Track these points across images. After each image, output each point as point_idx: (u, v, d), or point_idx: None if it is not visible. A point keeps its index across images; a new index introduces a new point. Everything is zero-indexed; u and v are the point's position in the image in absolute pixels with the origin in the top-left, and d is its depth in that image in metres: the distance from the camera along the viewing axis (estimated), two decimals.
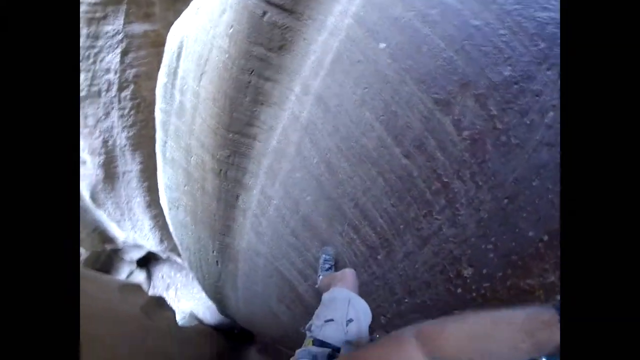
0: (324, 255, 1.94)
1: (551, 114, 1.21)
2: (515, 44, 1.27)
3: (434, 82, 1.40)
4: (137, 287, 5.12)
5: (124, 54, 4.19)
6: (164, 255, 6.62)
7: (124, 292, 4.43)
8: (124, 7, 4.02)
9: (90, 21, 4.03)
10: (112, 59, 4.20)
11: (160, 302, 5.46)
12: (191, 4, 2.26)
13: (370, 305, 1.91)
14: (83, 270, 3.99)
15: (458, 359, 0.66)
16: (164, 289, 8.25)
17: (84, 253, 6.71)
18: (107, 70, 4.23)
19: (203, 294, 8.10)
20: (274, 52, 1.78)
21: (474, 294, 1.48)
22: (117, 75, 4.19)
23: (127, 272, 7.93)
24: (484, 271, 1.41)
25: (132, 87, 4.26)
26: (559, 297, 1.24)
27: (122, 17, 4.06)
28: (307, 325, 1.21)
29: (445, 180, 1.42)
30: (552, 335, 0.59)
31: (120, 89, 4.21)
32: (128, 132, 4.30)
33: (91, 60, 4.21)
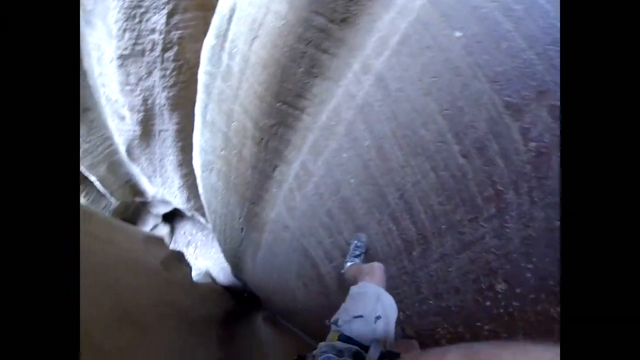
0: (355, 241, 1.90)
1: None
2: None
3: (508, 83, 1.29)
4: (160, 241, 5.31)
5: (170, 15, 4.15)
6: (188, 213, 6.79)
7: (147, 244, 4.59)
8: None
9: None
10: (158, 19, 4.17)
11: (179, 257, 5.65)
12: None
13: (394, 298, 1.89)
14: (112, 219, 4.14)
15: None
16: (185, 245, 8.54)
17: (114, 203, 6.97)
18: (152, 31, 4.23)
19: (220, 255, 8.34)
20: (336, 24, 1.68)
21: (501, 310, 1.45)
22: (162, 36, 4.19)
23: (152, 225, 8.22)
24: (518, 290, 1.37)
25: (175, 48, 4.26)
26: None
27: None
28: (333, 319, 1.17)
29: (500, 188, 1.35)
30: None
31: (164, 49, 4.21)
32: (168, 93, 4.34)
33: (137, 19, 4.20)
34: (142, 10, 4.19)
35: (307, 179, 2.03)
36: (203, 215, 6.54)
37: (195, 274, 7.37)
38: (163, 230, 8.30)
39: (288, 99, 1.82)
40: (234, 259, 4.25)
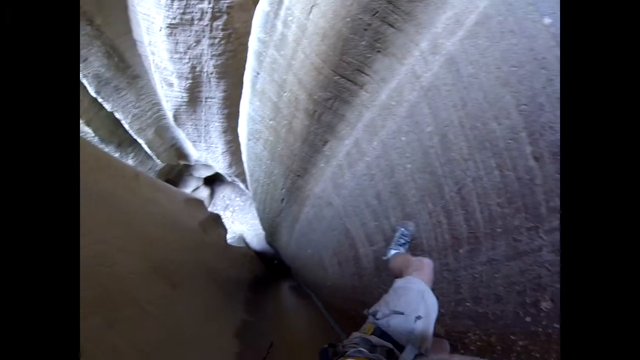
0: (402, 229, 1.83)
1: None
2: None
3: None
4: (200, 203, 5.48)
5: None
6: (229, 179, 6.96)
7: (188, 205, 4.75)
8: None
9: None
10: None
11: (216, 220, 5.83)
12: None
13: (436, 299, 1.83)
14: (156, 180, 4.28)
15: None
16: (223, 208, 8.84)
17: (159, 165, 7.25)
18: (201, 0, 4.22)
19: (256, 222, 8.60)
20: None
21: (540, 329, 1.37)
22: (211, 5, 4.13)
23: (194, 187, 8.53)
24: None
25: (224, 17, 4.20)
26: None
27: None
28: (372, 310, 1.13)
29: None
30: None
31: (213, 18, 4.17)
32: (216, 61, 4.34)
33: None
34: None
35: (359, 157, 1.96)
36: (243, 181, 6.69)
37: (229, 237, 7.64)
38: (203, 193, 8.61)
39: (347, 72, 1.71)
40: (271, 227, 4.33)
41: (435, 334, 1.71)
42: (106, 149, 6.32)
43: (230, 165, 6.13)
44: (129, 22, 4.95)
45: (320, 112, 1.94)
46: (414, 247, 1.87)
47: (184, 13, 4.25)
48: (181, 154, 7.10)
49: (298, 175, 2.56)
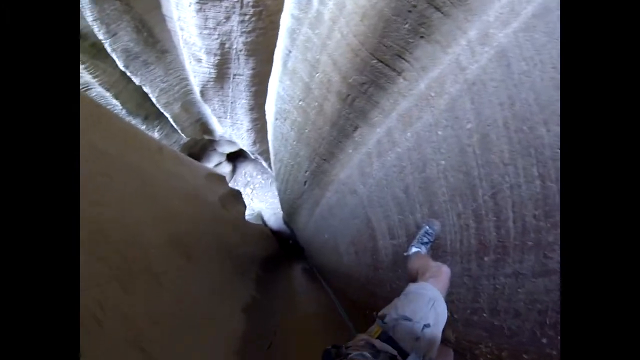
0: (427, 227, 1.76)
1: None
2: None
3: None
4: (222, 178, 5.53)
5: None
6: (252, 156, 6.99)
7: (209, 180, 4.80)
8: None
9: None
10: None
11: (236, 196, 5.89)
12: None
13: (445, 296, 1.76)
14: (180, 154, 4.34)
15: None
16: (243, 185, 8.95)
17: (184, 139, 7.34)
18: None
19: (275, 201, 8.66)
20: None
21: (554, 352, 1.31)
22: None
23: (216, 162, 8.64)
24: None
25: None
26: None
27: None
28: (381, 313, 1.11)
29: None
30: None
31: None
32: (246, 38, 4.29)
33: None
34: None
35: (390, 147, 1.87)
36: (266, 160, 6.70)
37: (248, 214, 7.74)
38: (225, 169, 8.72)
39: (385, 57, 1.61)
40: (290, 208, 4.31)
41: (442, 340, 1.68)
42: (133, 122, 6.45)
43: (254, 143, 6.14)
44: None
45: (353, 97, 1.85)
46: (437, 247, 1.79)
47: None
48: (206, 129, 7.16)
49: (324, 159, 2.49)
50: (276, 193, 8.37)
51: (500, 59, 1.32)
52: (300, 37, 2.07)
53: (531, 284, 1.38)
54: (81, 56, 5.22)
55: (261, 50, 4.50)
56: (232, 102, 5.51)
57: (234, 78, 5.03)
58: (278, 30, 2.35)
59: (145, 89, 5.83)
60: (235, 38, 4.33)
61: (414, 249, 1.75)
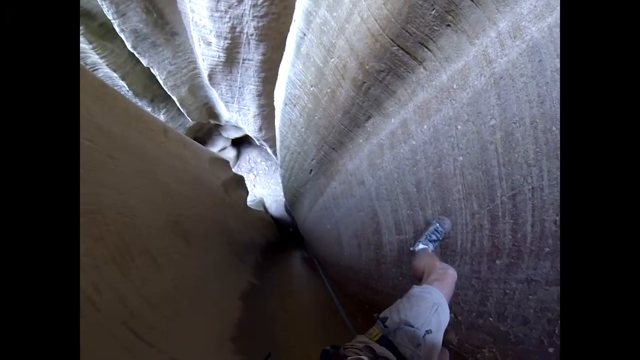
0: (437, 224, 1.70)
1: None
2: None
3: None
4: (225, 163, 5.49)
5: None
6: (257, 142, 6.96)
7: (213, 164, 4.76)
8: None
9: None
10: None
11: (239, 181, 5.86)
12: None
13: (452, 296, 1.70)
14: (185, 137, 4.30)
15: None
16: (247, 171, 8.93)
17: (190, 122, 7.30)
18: None
19: (277, 188, 8.65)
20: None
21: None
22: None
23: (221, 147, 8.61)
24: None
25: None
26: None
27: None
28: (382, 315, 1.09)
29: None
30: None
31: None
32: (258, 23, 4.21)
33: None
34: None
35: (404, 139, 1.79)
36: (271, 146, 6.65)
37: (250, 200, 7.73)
38: (230, 154, 8.69)
39: (407, 44, 1.52)
40: (293, 196, 4.26)
41: (443, 342, 1.64)
42: (139, 104, 6.40)
43: (260, 129, 6.08)
44: None
45: (369, 84, 1.77)
46: (446, 246, 1.73)
47: None
48: (212, 113, 7.12)
49: (332, 148, 2.42)
50: (279, 180, 8.38)
51: (531, 54, 1.23)
52: (316, 19, 1.97)
53: (543, 291, 1.33)
54: (89, 36, 5.18)
55: (272, 36, 4.42)
56: (240, 87, 5.45)
57: (243, 63, 4.96)
58: (291, 16, 2.26)
59: (153, 71, 5.78)
60: (246, 22, 4.25)
61: (421, 245, 1.71)
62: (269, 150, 7.03)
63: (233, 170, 6.84)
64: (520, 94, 1.27)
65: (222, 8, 4.10)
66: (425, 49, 1.53)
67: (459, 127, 1.49)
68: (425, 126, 1.65)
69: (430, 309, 1.08)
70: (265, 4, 4.00)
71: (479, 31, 1.39)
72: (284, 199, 6.90)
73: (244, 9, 4.09)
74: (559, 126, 1.18)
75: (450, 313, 1.73)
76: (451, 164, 1.56)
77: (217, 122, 7.44)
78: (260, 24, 4.23)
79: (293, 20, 2.21)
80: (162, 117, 6.95)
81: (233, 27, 4.33)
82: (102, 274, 1.41)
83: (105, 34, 5.37)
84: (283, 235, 7.59)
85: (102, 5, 4.63)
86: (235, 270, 3.52)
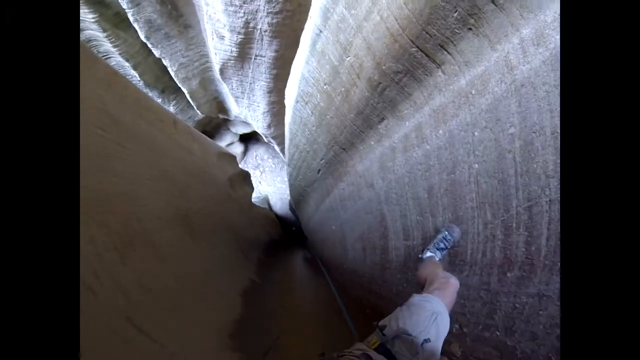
0: (446, 232, 1.66)
1: None
2: None
3: None
4: (233, 158, 5.48)
5: None
6: (265, 139, 6.95)
7: (220, 159, 4.75)
8: None
9: None
10: None
11: (245, 177, 5.85)
12: None
13: (457, 307, 1.63)
14: (194, 130, 4.30)
15: None
16: (253, 167, 8.93)
17: (199, 115, 7.32)
18: None
19: (283, 186, 8.64)
20: None
21: None
22: None
23: (229, 142, 8.62)
24: None
25: None
26: None
27: None
28: (381, 323, 1.08)
29: None
30: None
31: None
32: (272, 19, 4.20)
33: None
34: None
35: (417, 143, 1.75)
36: (279, 144, 6.63)
37: (255, 197, 7.71)
38: (237, 149, 8.69)
39: (427, 46, 1.48)
40: (299, 196, 4.23)
41: (444, 352, 1.59)
42: (150, 94, 6.42)
43: (269, 126, 6.07)
44: None
45: (385, 85, 1.73)
46: (455, 255, 1.69)
47: None
48: (222, 107, 7.12)
49: (343, 149, 2.38)
50: (285, 178, 8.36)
51: (555, 63, 1.19)
52: (334, 16, 1.94)
53: (555, 307, 1.29)
54: (103, 24, 5.20)
55: (286, 33, 4.40)
56: (250, 83, 5.44)
57: (255, 59, 4.95)
58: (305, 14, 2.23)
59: (165, 62, 5.80)
60: (261, 18, 4.24)
61: (428, 254, 1.68)
62: (276, 147, 7.01)
63: (240, 165, 6.82)
64: (541, 102, 1.23)
65: (237, 2, 4.09)
66: (445, 52, 1.49)
67: (476, 133, 1.45)
68: (440, 131, 1.61)
69: (429, 317, 1.08)
70: (281, 0, 3.98)
71: (501, 36, 1.35)
72: (289, 198, 6.87)
73: (259, 5, 4.08)
74: None
75: (456, 324, 1.71)
76: (466, 171, 1.52)
77: (226, 117, 7.44)
78: (274, 21, 4.21)
79: (309, 17, 2.18)
80: (171, 109, 6.96)
81: (247, 22, 4.32)
82: (103, 262, 1.39)
83: (119, 22, 5.39)
84: (286, 233, 7.57)
85: None
86: (238, 266, 3.50)
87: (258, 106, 5.77)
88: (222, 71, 5.39)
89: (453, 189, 1.60)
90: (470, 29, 1.40)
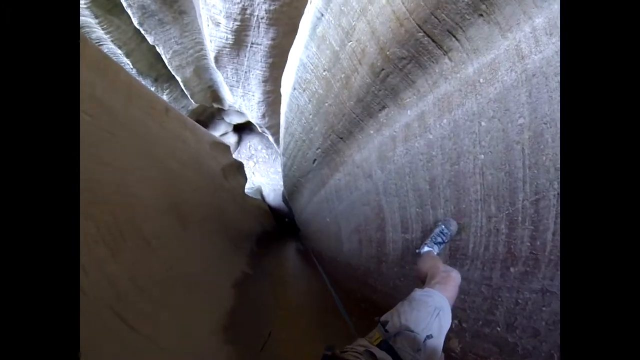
0: (443, 226, 1.63)
1: None
2: None
3: None
4: (226, 148, 5.40)
5: None
6: (259, 129, 6.87)
7: (213, 148, 4.67)
8: None
9: None
10: None
11: (239, 168, 5.78)
12: None
13: (457, 302, 1.58)
14: (187, 118, 4.22)
15: None
16: (247, 158, 8.84)
17: (193, 104, 7.20)
18: None
19: (277, 177, 8.57)
20: None
21: None
22: None
23: (222, 132, 8.52)
24: None
25: None
26: None
27: None
28: (383, 318, 1.08)
29: None
30: None
31: None
32: (269, 6, 4.10)
33: None
34: None
35: (420, 133, 1.69)
36: (273, 134, 6.55)
37: (248, 188, 7.65)
38: (231, 139, 8.59)
39: (435, 31, 1.41)
40: (292, 186, 4.16)
41: (444, 350, 1.57)
42: (142, 82, 6.29)
43: (263, 116, 5.98)
44: None
45: (388, 72, 1.66)
46: (456, 249, 1.65)
47: None
48: (216, 96, 7.01)
49: (340, 138, 2.31)
50: (278, 169, 8.29)
51: None
52: None
53: (558, 303, 1.26)
54: (95, 10, 5.06)
55: (284, 21, 4.30)
56: (246, 72, 5.34)
57: (251, 47, 4.85)
58: (304, 2, 2.15)
59: (159, 50, 5.67)
60: (258, 4, 4.14)
61: (426, 248, 1.65)
62: (270, 138, 6.94)
63: (233, 156, 6.74)
64: (553, 93, 1.18)
65: None
66: (453, 39, 1.42)
67: (482, 123, 1.39)
68: (445, 120, 1.55)
69: (431, 313, 1.06)
70: None
71: (512, 24, 1.30)
72: (282, 189, 6.81)
73: None
74: None
75: (455, 319, 1.67)
76: (471, 162, 1.47)
77: (220, 106, 7.34)
78: (271, 8, 4.11)
79: (309, 2, 2.10)
80: (165, 98, 6.84)
81: (244, 9, 4.21)
82: (91, 255, 1.32)
83: (112, 8, 5.23)
84: (279, 225, 7.52)
85: None
86: (230, 258, 3.45)
87: (253, 95, 5.67)
88: (217, 59, 5.27)
89: (456, 180, 1.55)
90: (481, 15, 1.34)
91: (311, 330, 2.65)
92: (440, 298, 1.13)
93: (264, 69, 5.08)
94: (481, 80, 1.39)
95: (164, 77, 6.58)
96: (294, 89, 2.54)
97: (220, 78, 6.13)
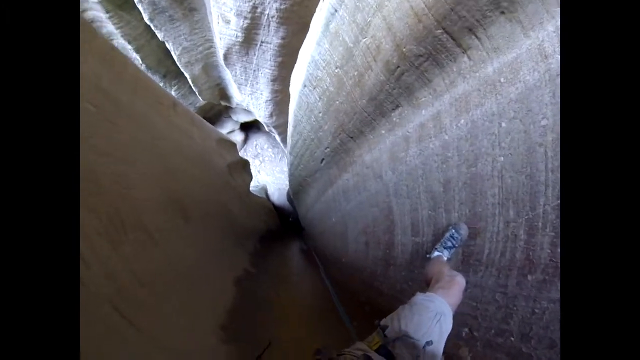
0: (453, 231, 1.58)
1: None
2: None
3: None
4: (233, 145, 5.38)
5: None
6: (266, 128, 6.86)
7: (220, 145, 4.65)
8: None
9: None
10: None
11: (244, 165, 5.76)
12: None
13: (469, 309, 1.54)
14: (195, 115, 4.20)
15: None
16: (253, 156, 8.84)
17: (201, 101, 7.21)
18: None
19: (282, 176, 8.55)
20: None
21: None
22: None
23: (229, 129, 8.54)
24: None
25: None
26: None
27: None
28: (383, 323, 1.07)
29: None
30: None
31: None
32: (280, 5, 4.08)
33: None
34: None
35: (435, 133, 1.63)
36: (280, 134, 6.52)
37: (253, 186, 7.63)
38: (238, 137, 8.60)
39: (454, 28, 1.36)
40: (299, 186, 4.12)
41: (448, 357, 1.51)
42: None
43: (271, 115, 5.95)
44: None
45: (403, 70, 1.61)
46: (470, 254, 1.59)
47: None
48: (224, 94, 7.01)
49: (350, 137, 2.26)
50: (284, 169, 8.27)
51: None
52: None
53: None
54: (106, 5, 5.08)
55: (294, 20, 4.27)
56: (254, 70, 5.32)
57: (260, 45, 4.83)
58: (314, 1, 2.10)
59: (168, 46, 5.67)
60: (269, 3, 4.12)
61: (436, 253, 1.62)
62: (277, 137, 6.92)
63: (239, 154, 6.72)
64: None
65: None
66: (473, 36, 1.37)
67: (502, 124, 1.34)
68: (462, 121, 1.49)
69: (432, 318, 1.05)
70: None
71: (535, 23, 1.24)
72: (287, 188, 6.77)
73: None
74: None
75: (466, 327, 1.61)
76: (489, 164, 1.41)
77: (227, 104, 7.33)
78: (282, 7, 4.09)
79: None
80: (173, 94, 6.85)
81: (254, 7, 4.19)
82: (92, 247, 1.28)
83: (122, 3, 5.25)
84: (283, 223, 7.50)
85: None
86: (232, 255, 3.42)
87: (261, 94, 5.65)
88: (226, 57, 5.26)
89: (473, 183, 1.50)
90: (502, 12, 1.28)
91: (313, 332, 2.61)
92: (441, 303, 1.11)
93: (273, 67, 5.06)
94: (502, 80, 1.33)
95: (172, 73, 6.59)
96: (304, 86, 2.50)
97: (228, 76, 6.12)
